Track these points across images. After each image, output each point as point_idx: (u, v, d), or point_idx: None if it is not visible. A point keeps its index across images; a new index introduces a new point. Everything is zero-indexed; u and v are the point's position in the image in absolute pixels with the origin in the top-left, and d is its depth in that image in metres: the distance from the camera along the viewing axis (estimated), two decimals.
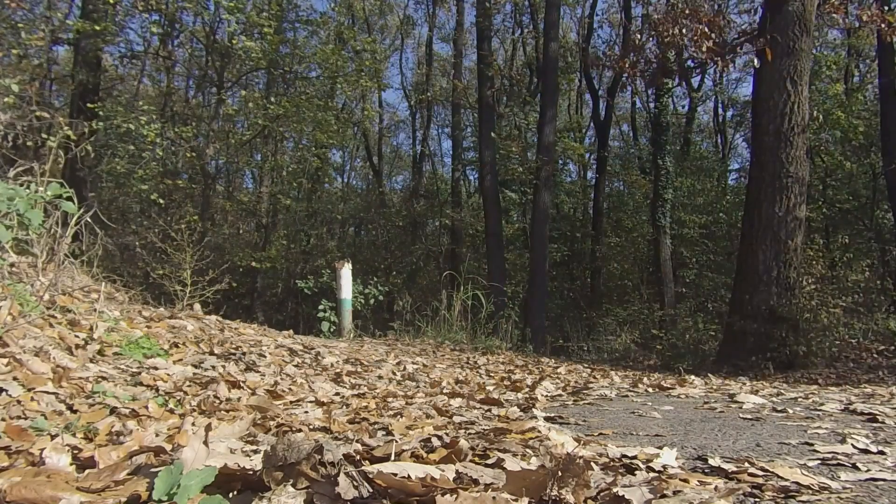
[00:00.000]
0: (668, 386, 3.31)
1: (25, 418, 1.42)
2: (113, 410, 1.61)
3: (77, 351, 2.10)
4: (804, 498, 1.04)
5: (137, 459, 1.08)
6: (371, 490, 0.92)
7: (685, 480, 1.13)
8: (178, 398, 1.86)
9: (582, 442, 1.50)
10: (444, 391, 2.75)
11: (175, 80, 14.75)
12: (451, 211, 17.88)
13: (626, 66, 8.46)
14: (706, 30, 7.28)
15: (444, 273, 8.26)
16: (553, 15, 12.63)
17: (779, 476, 1.16)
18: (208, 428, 1.09)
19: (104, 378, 1.90)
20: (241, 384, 2.20)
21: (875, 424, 1.84)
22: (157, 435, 1.37)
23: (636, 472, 1.19)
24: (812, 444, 1.50)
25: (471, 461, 1.21)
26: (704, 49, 7.22)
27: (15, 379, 1.64)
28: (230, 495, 0.94)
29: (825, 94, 15.22)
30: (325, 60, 13.28)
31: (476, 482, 1.04)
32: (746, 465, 1.25)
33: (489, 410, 2.12)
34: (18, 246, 2.89)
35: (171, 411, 1.74)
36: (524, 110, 18.56)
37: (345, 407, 2.09)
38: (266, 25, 11.45)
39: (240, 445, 1.26)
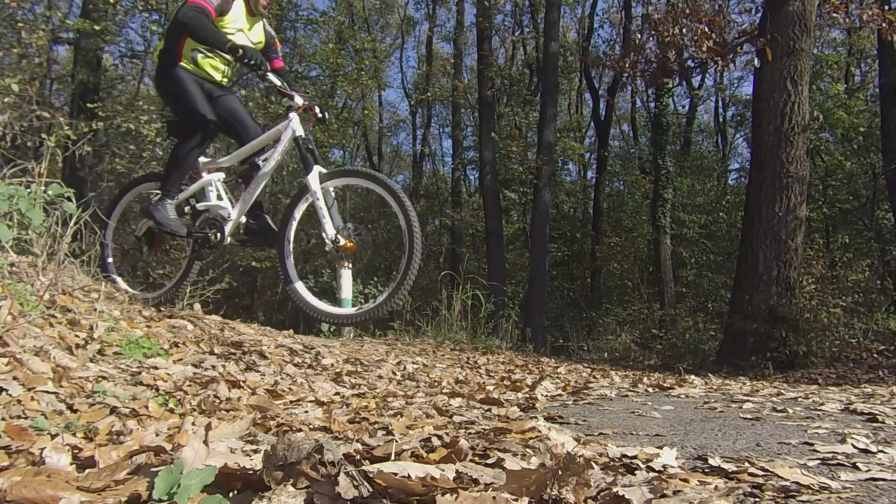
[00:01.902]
0: (668, 386, 3.31)
1: (25, 418, 1.42)
2: (113, 410, 1.61)
3: (77, 350, 2.10)
4: (804, 498, 1.04)
5: (137, 459, 1.08)
6: (371, 489, 0.92)
7: (685, 480, 1.12)
8: (179, 398, 1.86)
9: (582, 441, 1.49)
10: (444, 391, 2.75)
11: None
12: (451, 211, 17.89)
13: (627, 65, 8.47)
14: (706, 29, 7.30)
15: (443, 273, 8.26)
16: (553, 14, 12.64)
17: (779, 476, 1.16)
18: (208, 427, 1.09)
19: (104, 377, 1.89)
20: (241, 384, 2.20)
21: (875, 424, 1.84)
22: (157, 434, 1.37)
23: (636, 471, 1.19)
24: (812, 444, 1.50)
25: (471, 461, 1.21)
26: (705, 49, 7.23)
27: (15, 378, 1.64)
28: (230, 495, 0.94)
29: (825, 94, 15.23)
30: (325, 59, 13.28)
31: (476, 482, 1.04)
32: (746, 464, 1.25)
33: (489, 410, 2.12)
34: (18, 245, 2.89)
35: (172, 411, 1.74)
36: (524, 110, 18.57)
37: (345, 406, 2.09)
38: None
39: (240, 445, 1.26)
